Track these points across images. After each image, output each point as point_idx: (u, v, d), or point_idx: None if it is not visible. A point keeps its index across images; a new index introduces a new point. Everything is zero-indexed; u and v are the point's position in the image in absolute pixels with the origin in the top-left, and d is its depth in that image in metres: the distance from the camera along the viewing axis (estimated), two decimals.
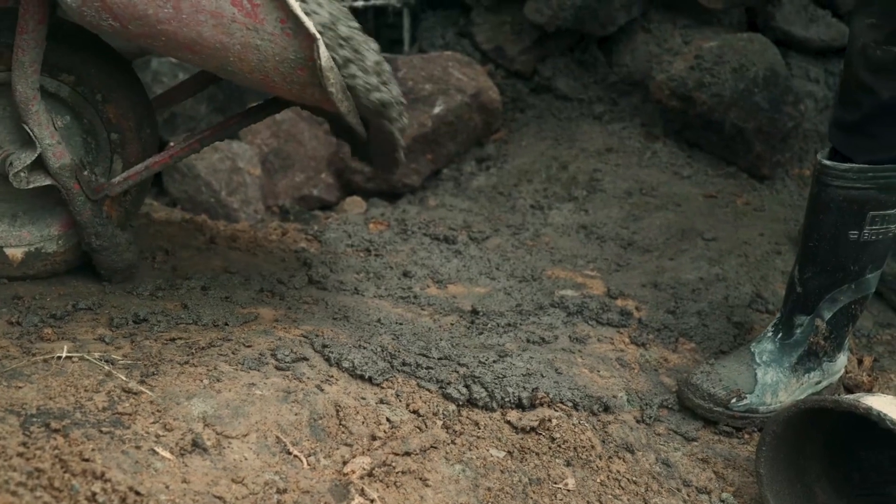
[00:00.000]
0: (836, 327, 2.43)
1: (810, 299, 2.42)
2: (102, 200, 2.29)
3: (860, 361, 2.73)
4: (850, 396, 1.89)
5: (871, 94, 2.21)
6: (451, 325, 2.58)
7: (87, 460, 1.52)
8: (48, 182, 2.20)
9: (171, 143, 2.33)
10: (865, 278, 2.37)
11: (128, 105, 2.33)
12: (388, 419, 1.97)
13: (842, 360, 2.53)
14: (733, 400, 2.38)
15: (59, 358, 1.84)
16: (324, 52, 1.86)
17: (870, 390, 2.60)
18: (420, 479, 1.82)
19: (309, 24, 1.84)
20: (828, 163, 2.29)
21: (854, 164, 2.24)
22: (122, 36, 1.99)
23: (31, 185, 2.19)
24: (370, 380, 2.09)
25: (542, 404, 2.18)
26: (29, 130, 2.13)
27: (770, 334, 2.51)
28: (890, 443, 1.81)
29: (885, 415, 1.78)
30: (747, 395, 2.39)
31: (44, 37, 2.06)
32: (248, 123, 2.39)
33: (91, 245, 2.30)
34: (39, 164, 2.19)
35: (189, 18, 1.87)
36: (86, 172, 2.25)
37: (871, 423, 1.81)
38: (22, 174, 2.17)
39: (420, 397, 2.08)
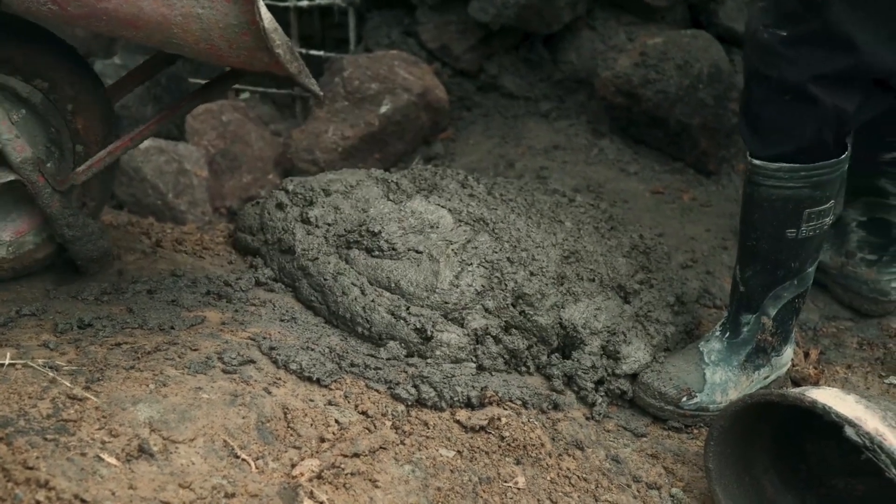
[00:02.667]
0: (782, 322, 2.46)
1: (754, 298, 2.44)
2: (70, 191, 2.28)
3: (807, 354, 2.75)
4: (796, 390, 1.91)
5: (763, 80, 2.23)
6: None
7: (30, 468, 1.50)
8: (12, 177, 2.19)
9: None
10: (806, 272, 2.40)
11: (96, 118, 2.32)
12: (336, 421, 1.96)
13: (788, 352, 2.55)
14: (684, 399, 2.39)
15: (2, 365, 1.82)
16: (265, 14, 1.84)
17: (816, 383, 2.63)
18: (369, 480, 1.81)
19: None
20: (758, 162, 2.28)
21: (784, 164, 2.24)
22: (63, 19, 1.96)
23: None
24: (318, 381, 2.08)
25: (491, 403, 2.18)
26: None
27: (718, 334, 2.52)
28: (835, 435, 1.82)
29: (829, 408, 1.80)
30: (697, 395, 2.40)
31: None
32: (207, 100, 2.38)
33: (64, 236, 2.29)
34: (1, 162, 2.18)
35: None
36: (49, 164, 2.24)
37: (816, 415, 1.82)
38: None
39: (369, 398, 2.08)
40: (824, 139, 2.22)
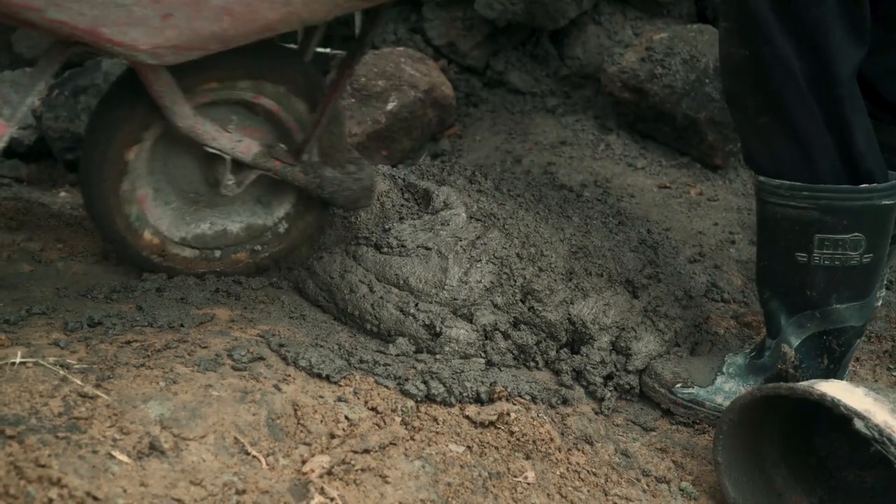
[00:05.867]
0: (808, 358, 2.29)
1: (773, 321, 2.31)
2: (308, 159, 2.54)
3: None
4: (805, 383, 1.91)
5: (737, 98, 2.20)
6: None
7: (43, 466, 1.50)
8: (255, 175, 2.48)
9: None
10: (832, 308, 2.22)
11: (301, 92, 2.52)
12: (346, 417, 1.96)
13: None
14: (678, 385, 2.38)
15: (13, 364, 1.82)
16: None
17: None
18: (380, 476, 1.82)
19: None
20: (763, 178, 2.20)
21: (785, 182, 2.14)
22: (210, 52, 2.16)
23: (242, 187, 2.49)
24: (328, 378, 2.08)
25: (500, 398, 2.18)
26: (210, 150, 2.37)
27: (747, 350, 2.46)
28: (844, 428, 1.82)
29: (838, 400, 1.80)
30: (695, 387, 2.38)
31: (169, 79, 2.20)
32: (376, 31, 2.65)
33: (322, 196, 2.58)
34: (240, 167, 2.45)
35: (247, 13, 2.08)
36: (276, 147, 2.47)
37: (825, 409, 1.83)
38: (229, 183, 2.45)
39: (378, 394, 2.08)
40: (815, 157, 2.11)
